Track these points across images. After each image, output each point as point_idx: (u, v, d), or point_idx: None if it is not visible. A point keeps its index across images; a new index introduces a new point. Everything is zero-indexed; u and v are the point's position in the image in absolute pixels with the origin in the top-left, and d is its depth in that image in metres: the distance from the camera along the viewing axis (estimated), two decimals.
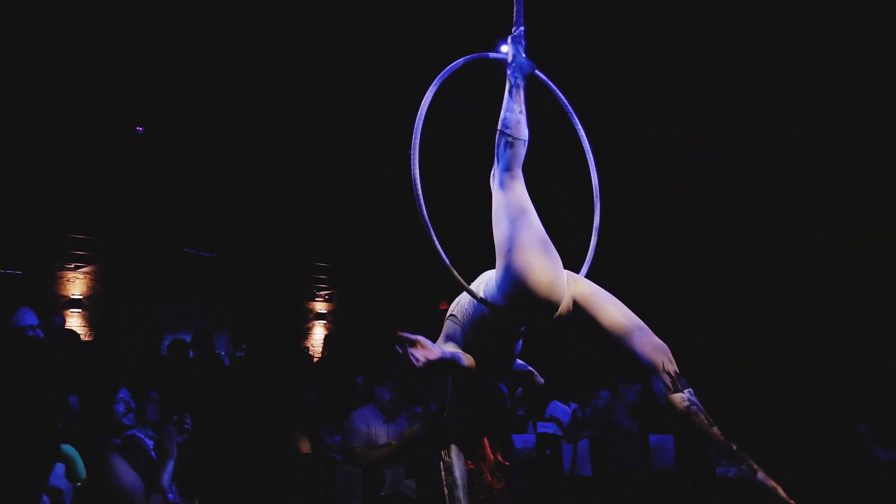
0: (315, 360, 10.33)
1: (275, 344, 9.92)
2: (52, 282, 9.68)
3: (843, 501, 5.35)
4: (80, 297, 9.80)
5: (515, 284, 2.47)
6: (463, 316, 2.71)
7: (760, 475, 2.25)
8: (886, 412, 5.50)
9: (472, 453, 2.69)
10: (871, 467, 5.28)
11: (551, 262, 2.50)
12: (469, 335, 2.68)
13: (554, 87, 3.01)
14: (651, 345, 2.45)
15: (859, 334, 6.76)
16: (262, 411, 5.73)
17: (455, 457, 2.70)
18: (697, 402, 2.36)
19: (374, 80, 8.42)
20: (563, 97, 3.03)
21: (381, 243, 10.87)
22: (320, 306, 12.31)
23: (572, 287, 2.57)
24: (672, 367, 2.40)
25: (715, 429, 2.32)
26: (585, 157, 3.03)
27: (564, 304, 2.54)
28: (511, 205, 2.55)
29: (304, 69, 8.45)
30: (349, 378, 6.98)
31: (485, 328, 2.63)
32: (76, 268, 9.86)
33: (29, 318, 3.61)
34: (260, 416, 5.65)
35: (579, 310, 2.55)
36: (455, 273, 2.56)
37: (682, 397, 2.35)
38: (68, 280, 9.82)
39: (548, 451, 6.97)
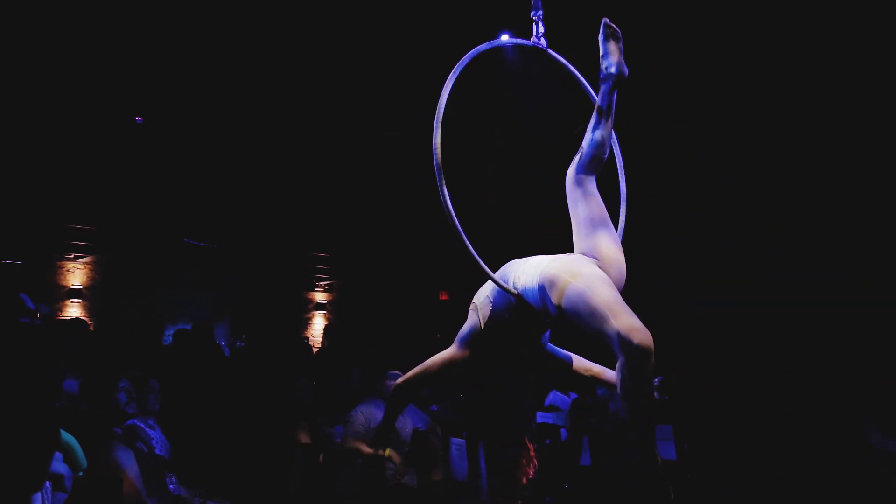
0: (315, 350, 10.35)
1: (275, 334, 9.94)
2: (52, 272, 9.68)
3: (842, 490, 5.38)
4: (81, 287, 9.80)
5: (575, 310, 2.34)
6: (485, 307, 2.64)
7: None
8: (887, 402, 5.53)
9: (506, 445, 2.70)
10: (871, 456, 5.31)
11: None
12: (490, 326, 2.61)
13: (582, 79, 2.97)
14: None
15: (859, 326, 6.78)
16: (261, 401, 5.74)
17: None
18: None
19: (374, 71, 8.40)
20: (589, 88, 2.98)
21: (381, 234, 10.87)
22: (320, 296, 12.32)
23: None
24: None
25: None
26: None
27: None
28: (594, 215, 2.55)
29: (304, 60, 8.42)
30: (349, 368, 6.99)
31: (510, 319, 2.57)
32: (76, 258, 9.86)
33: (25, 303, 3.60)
34: (259, 406, 5.66)
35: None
36: (485, 267, 2.48)
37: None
38: (68, 270, 9.82)
39: (547, 441, 6.99)
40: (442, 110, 2.50)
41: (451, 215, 2.42)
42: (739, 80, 7.52)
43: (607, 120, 2.56)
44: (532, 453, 2.75)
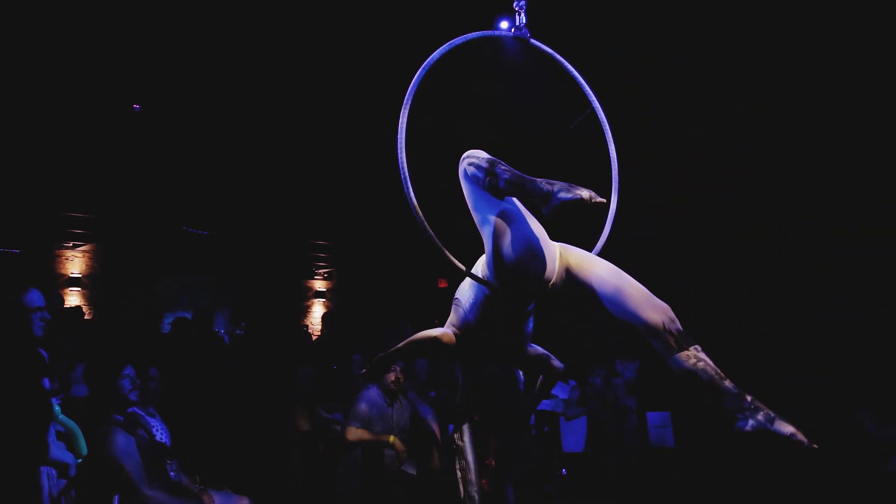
0: (314, 337, 10.38)
1: (274, 322, 9.96)
2: (51, 260, 9.68)
3: (838, 480, 5.41)
4: (80, 275, 9.81)
5: (499, 259, 2.48)
6: (466, 299, 2.73)
7: (778, 423, 2.08)
8: (883, 391, 5.56)
9: (479, 438, 2.71)
10: (868, 445, 5.33)
11: (531, 234, 2.50)
12: (472, 318, 2.71)
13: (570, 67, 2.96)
14: (650, 306, 2.33)
15: (855, 316, 6.81)
16: (261, 389, 5.77)
17: (467, 441, 2.73)
18: (706, 357, 2.23)
19: (373, 59, 8.36)
20: (579, 76, 2.99)
21: (380, 221, 10.87)
22: (319, 284, 12.34)
23: (565, 257, 2.54)
24: (674, 325, 2.29)
25: (727, 382, 2.18)
26: (603, 134, 2.99)
27: (557, 275, 2.51)
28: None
29: (302, 47, 8.38)
30: (348, 356, 7.02)
31: (488, 309, 2.65)
32: (75, 246, 9.86)
33: (37, 299, 3.60)
34: (259, 394, 5.69)
35: (573, 279, 2.49)
36: (448, 254, 2.57)
37: (687, 355, 2.22)
38: (67, 259, 9.82)
39: (546, 429, 7.03)
40: (409, 102, 2.57)
41: (419, 217, 2.52)
42: (732, 81, 7.50)
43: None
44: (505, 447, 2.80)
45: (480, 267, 2.66)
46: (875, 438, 5.33)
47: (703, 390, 2.20)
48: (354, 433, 5.19)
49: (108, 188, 9.50)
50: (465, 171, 2.57)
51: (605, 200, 2.35)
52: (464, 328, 2.77)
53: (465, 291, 2.76)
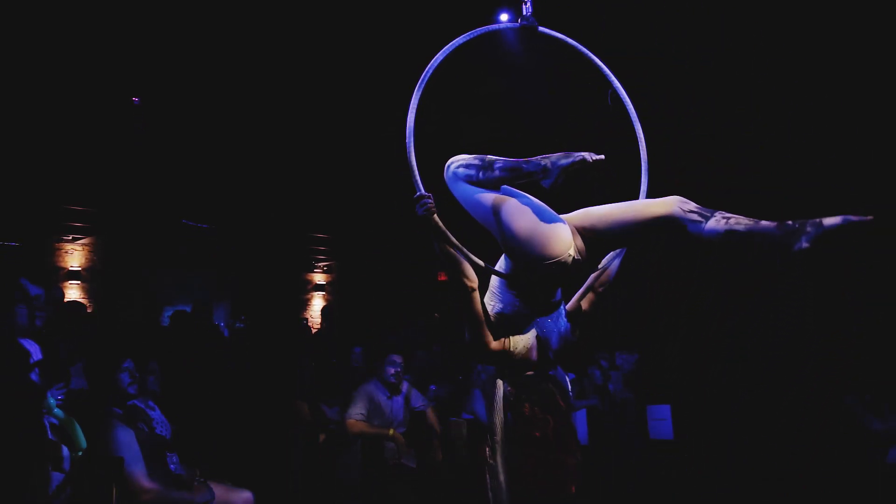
0: (314, 331, 10.38)
1: (274, 315, 9.96)
2: (51, 254, 9.67)
3: (835, 475, 5.43)
4: (79, 268, 9.79)
5: (516, 246, 2.46)
6: (492, 310, 2.65)
7: (826, 222, 2.13)
8: (876, 384, 5.58)
9: (540, 457, 2.48)
10: (863, 438, 5.35)
11: (541, 211, 2.47)
12: (503, 317, 2.63)
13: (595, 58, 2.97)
14: (658, 204, 2.38)
15: (845, 309, 6.82)
16: (261, 382, 5.77)
17: (500, 459, 2.52)
18: (733, 214, 2.29)
19: (371, 54, 8.36)
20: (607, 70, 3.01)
21: (380, 214, 10.87)
22: (319, 277, 12.33)
23: (572, 223, 2.51)
24: (689, 205, 2.34)
25: (763, 221, 2.23)
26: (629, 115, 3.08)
27: (576, 238, 2.46)
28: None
29: (300, 43, 8.38)
30: (348, 349, 7.03)
31: (516, 300, 2.60)
32: (74, 240, 9.84)
33: (30, 290, 3.59)
34: (259, 387, 5.69)
35: (588, 233, 2.46)
36: (466, 251, 2.54)
37: (716, 219, 2.27)
38: (66, 252, 9.81)
39: None
40: (416, 103, 2.57)
41: (439, 226, 2.50)
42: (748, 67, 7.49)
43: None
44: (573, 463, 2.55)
45: (500, 267, 2.63)
46: (874, 433, 5.35)
47: (748, 240, 2.23)
48: (355, 426, 5.21)
49: (108, 182, 9.48)
50: (455, 173, 2.57)
51: (603, 156, 2.38)
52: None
53: (492, 298, 2.67)
